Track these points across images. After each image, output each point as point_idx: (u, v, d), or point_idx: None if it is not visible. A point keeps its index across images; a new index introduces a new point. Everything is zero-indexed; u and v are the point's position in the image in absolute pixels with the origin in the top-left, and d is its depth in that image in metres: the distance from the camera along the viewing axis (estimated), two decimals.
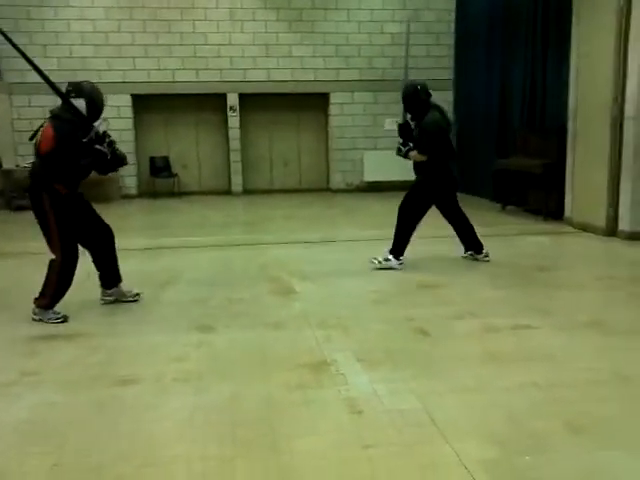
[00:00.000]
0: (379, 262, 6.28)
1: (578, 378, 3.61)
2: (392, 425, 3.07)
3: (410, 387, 3.50)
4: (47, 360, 4.07)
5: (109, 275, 5.29)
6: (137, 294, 5.42)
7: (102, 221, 5.19)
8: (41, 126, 4.77)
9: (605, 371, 3.70)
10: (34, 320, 4.87)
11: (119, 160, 4.98)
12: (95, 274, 5.30)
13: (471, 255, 6.62)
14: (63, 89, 4.74)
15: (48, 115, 4.83)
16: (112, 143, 4.86)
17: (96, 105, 4.81)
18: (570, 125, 8.61)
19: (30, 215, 4.90)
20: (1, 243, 8.46)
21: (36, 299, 4.91)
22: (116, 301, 5.32)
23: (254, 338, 4.43)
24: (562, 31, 9.10)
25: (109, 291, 5.32)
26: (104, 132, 4.86)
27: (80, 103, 4.68)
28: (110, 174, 5.42)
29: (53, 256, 4.87)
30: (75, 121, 4.69)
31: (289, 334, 4.49)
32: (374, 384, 3.55)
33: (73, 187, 4.91)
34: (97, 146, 4.75)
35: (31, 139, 4.83)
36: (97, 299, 5.33)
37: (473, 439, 2.91)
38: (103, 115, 4.92)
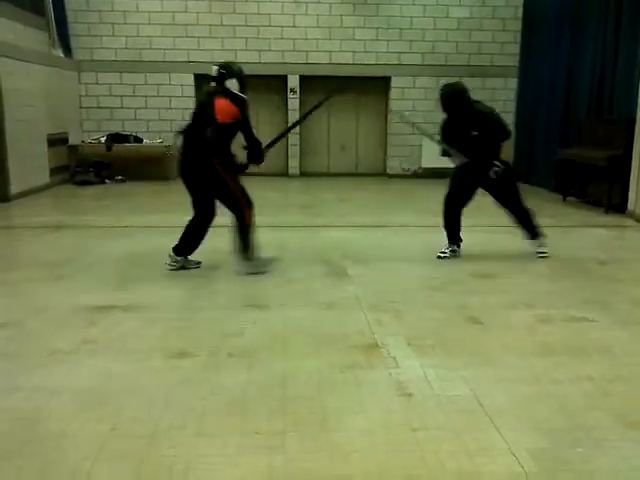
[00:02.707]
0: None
1: (635, 373, 3.54)
2: (441, 410, 3.08)
3: (461, 374, 3.50)
4: (106, 330, 4.21)
5: (190, 244, 5.64)
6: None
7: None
8: (206, 100, 5.45)
9: None
10: (244, 272, 5.49)
11: None
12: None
13: None
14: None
15: (212, 91, 5.44)
16: None
17: (244, 81, 5.47)
18: (639, 116, 8.34)
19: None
20: (62, 216, 8.73)
21: (240, 254, 5.54)
22: (182, 268, 5.64)
23: (307, 318, 4.49)
24: (635, 17, 8.80)
25: (178, 257, 5.63)
26: None
27: (233, 83, 5.37)
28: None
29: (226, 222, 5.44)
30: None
31: (342, 316, 4.54)
32: (425, 369, 3.56)
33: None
34: None
35: (200, 111, 5.49)
36: (156, 274, 5.48)
37: (522, 428, 2.90)
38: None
